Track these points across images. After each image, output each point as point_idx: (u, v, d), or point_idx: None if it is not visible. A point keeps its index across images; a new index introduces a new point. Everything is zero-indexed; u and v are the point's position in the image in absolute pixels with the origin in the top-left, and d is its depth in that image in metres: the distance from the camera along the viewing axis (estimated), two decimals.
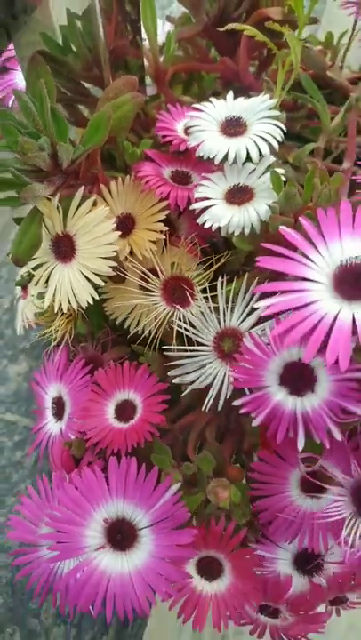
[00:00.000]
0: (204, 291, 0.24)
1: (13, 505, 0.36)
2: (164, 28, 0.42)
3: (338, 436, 0.17)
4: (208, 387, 0.23)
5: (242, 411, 0.20)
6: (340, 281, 0.16)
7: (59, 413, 0.30)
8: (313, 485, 0.22)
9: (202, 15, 0.35)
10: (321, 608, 0.28)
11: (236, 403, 0.20)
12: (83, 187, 0.25)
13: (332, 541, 0.25)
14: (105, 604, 0.23)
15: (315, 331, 0.15)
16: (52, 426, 0.30)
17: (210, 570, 0.25)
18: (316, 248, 0.17)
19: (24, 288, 0.34)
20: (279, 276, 0.19)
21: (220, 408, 0.22)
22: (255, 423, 0.19)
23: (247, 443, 0.29)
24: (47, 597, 0.26)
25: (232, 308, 0.23)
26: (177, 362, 0.24)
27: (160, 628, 0.69)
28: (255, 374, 0.19)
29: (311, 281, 0.16)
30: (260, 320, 0.22)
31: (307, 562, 0.26)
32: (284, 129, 0.24)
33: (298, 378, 0.19)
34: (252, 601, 0.25)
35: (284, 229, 0.18)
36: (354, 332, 0.15)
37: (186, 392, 0.24)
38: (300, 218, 0.18)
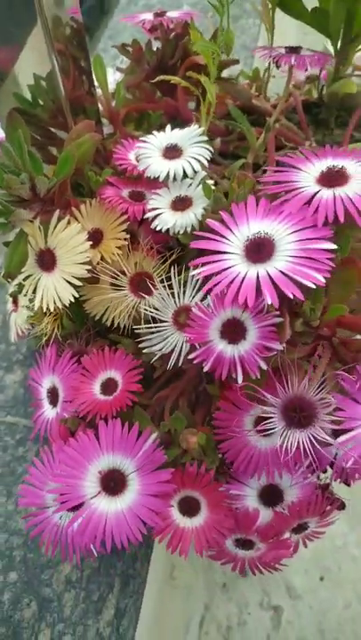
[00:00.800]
0: (162, 281, 0.31)
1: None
2: (115, 77, 0.49)
3: (264, 367, 0.24)
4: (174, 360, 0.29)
5: (195, 361, 0.26)
6: (248, 250, 0.23)
7: (53, 400, 0.35)
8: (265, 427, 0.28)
9: (144, 65, 0.42)
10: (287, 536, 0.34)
11: (191, 356, 0.26)
12: (58, 210, 0.32)
13: (286, 476, 0.31)
14: (104, 543, 0.28)
15: (232, 284, 0.21)
16: (49, 412, 0.35)
17: (189, 508, 0.31)
18: (230, 230, 0.23)
19: (14, 301, 0.39)
20: None
21: (180, 365, 0.28)
22: (205, 369, 0.25)
23: (214, 407, 0.35)
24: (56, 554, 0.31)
25: (184, 291, 0.29)
26: (146, 337, 0.30)
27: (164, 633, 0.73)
28: (202, 332, 0.25)
29: (228, 253, 0.23)
30: (205, 296, 0.28)
31: (269, 495, 0.32)
32: (212, 150, 0.31)
33: (233, 330, 0.25)
34: (226, 529, 0.30)
35: (209, 221, 0.24)
36: (258, 284, 0.21)
37: (155, 358, 0.29)
38: (220, 212, 0.24)
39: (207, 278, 0.23)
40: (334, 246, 0.22)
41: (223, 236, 0.23)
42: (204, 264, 0.23)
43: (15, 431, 0.43)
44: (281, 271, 0.21)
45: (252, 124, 0.42)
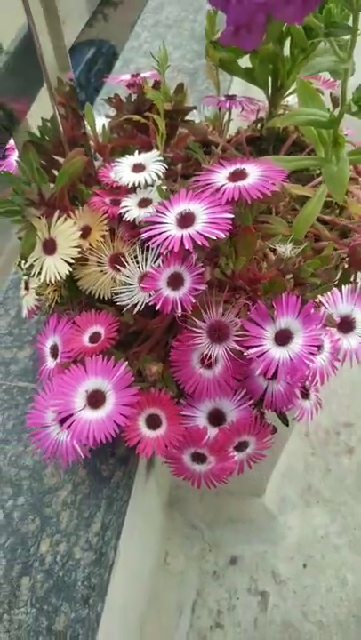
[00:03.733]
0: (132, 259, 0.43)
1: (28, 440, 0.52)
2: (105, 121, 0.63)
3: (193, 301, 0.35)
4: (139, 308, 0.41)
5: (150, 303, 0.37)
6: (178, 221, 0.35)
7: (54, 355, 0.46)
8: (207, 362, 0.39)
9: (124, 112, 0.56)
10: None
11: (148, 300, 0.38)
12: (58, 210, 0.44)
13: (227, 402, 0.42)
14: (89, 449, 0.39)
15: (166, 240, 0.33)
16: (51, 363, 0.47)
17: (153, 422, 0.41)
18: (168, 210, 0.36)
19: (26, 287, 0.51)
20: None
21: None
22: (157, 308, 0.37)
23: None
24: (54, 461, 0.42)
25: (146, 263, 0.41)
26: (121, 295, 0.41)
27: (160, 620, 0.81)
28: (155, 283, 0.37)
29: (165, 223, 0.35)
30: (159, 264, 0.40)
31: (215, 417, 0.42)
32: (166, 167, 0.44)
33: (175, 281, 0.36)
34: (180, 436, 0.40)
35: (155, 205, 0.36)
36: (182, 241, 0.33)
37: (126, 309, 0.41)
38: (163, 201, 0.37)
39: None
40: (232, 216, 0.33)
41: (163, 214, 0.36)
42: (149, 230, 0.35)
43: (25, 393, 0.54)
44: (197, 231, 0.33)
45: (208, 153, 0.55)
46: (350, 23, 0.32)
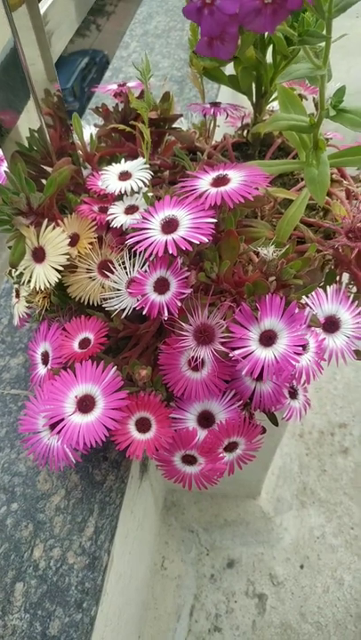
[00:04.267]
0: (120, 264, 0.43)
1: (20, 447, 0.52)
2: (93, 131, 0.64)
3: (178, 304, 0.36)
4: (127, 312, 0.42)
5: (137, 308, 0.38)
6: (162, 227, 0.35)
7: (45, 361, 0.47)
8: (194, 364, 0.40)
9: (111, 121, 0.57)
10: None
11: (135, 305, 0.38)
12: (47, 219, 0.45)
13: (215, 403, 0.42)
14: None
15: (150, 245, 0.34)
16: (42, 370, 0.47)
17: (143, 426, 0.42)
18: (153, 216, 0.36)
19: (17, 295, 0.52)
20: None
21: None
22: (144, 312, 0.37)
23: None
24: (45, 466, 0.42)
25: (134, 269, 0.42)
26: (110, 300, 0.42)
27: (158, 624, 0.81)
28: (141, 288, 0.38)
29: (150, 229, 0.35)
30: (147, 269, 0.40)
31: (204, 419, 0.43)
32: (152, 174, 0.44)
33: (161, 285, 0.37)
34: (169, 438, 0.41)
35: (141, 212, 0.37)
36: (166, 246, 0.34)
37: (115, 314, 0.41)
38: (148, 207, 0.37)
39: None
40: (215, 220, 0.34)
41: (148, 220, 0.36)
42: (135, 236, 0.35)
43: (17, 400, 0.55)
44: (181, 236, 0.34)
45: (196, 160, 0.56)
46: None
